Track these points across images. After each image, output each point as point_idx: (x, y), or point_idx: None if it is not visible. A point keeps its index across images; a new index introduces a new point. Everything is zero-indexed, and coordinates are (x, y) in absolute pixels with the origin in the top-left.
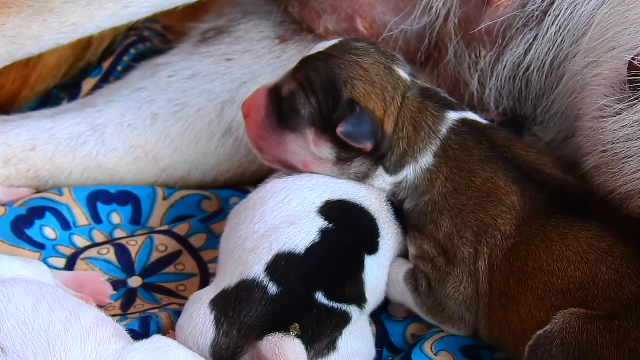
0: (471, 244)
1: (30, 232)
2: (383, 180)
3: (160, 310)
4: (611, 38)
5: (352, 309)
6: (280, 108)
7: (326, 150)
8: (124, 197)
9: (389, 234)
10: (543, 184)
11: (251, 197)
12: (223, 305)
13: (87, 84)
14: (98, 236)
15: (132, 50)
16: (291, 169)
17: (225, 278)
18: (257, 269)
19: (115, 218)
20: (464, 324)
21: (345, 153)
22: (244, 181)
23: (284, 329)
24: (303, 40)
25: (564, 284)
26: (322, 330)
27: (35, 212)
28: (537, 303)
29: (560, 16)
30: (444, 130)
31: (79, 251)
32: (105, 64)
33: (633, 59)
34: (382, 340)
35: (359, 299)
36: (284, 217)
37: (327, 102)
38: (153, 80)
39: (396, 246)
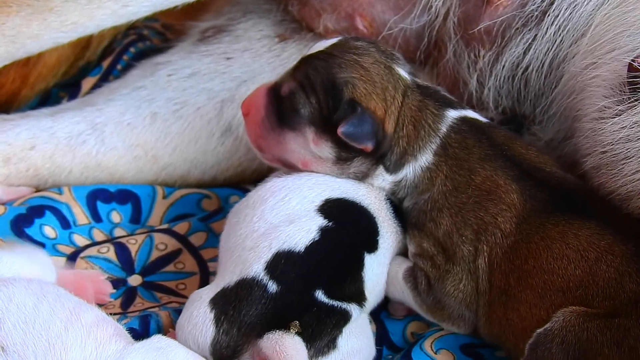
0: (471, 242)
1: (30, 231)
2: (383, 179)
3: (160, 309)
4: (611, 39)
5: (352, 308)
6: (280, 107)
7: (326, 150)
8: (123, 196)
9: (388, 233)
10: (543, 182)
11: (251, 196)
12: (223, 304)
13: (87, 83)
14: (98, 235)
15: (132, 49)
16: (291, 168)
17: (225, 277)
18: (257, 268)
19: (115, 217)
20: (463, 322)
21: (345, 153)
22: (244, 180)
23: (285, 327)
24: (303, 39)
25: (564, 282)
26: (322, 328)
27: (35, 211)
28: (538, 301)
29: (559, 17)
30: (444, 128)
31: (79, 250)
32: (105, 63)
33: (633, 60)
34: (382, 338)
35: (359, 298)
36: (283, 215)
37: (327, 102)
38: (153, 79)
39: (396, 245)
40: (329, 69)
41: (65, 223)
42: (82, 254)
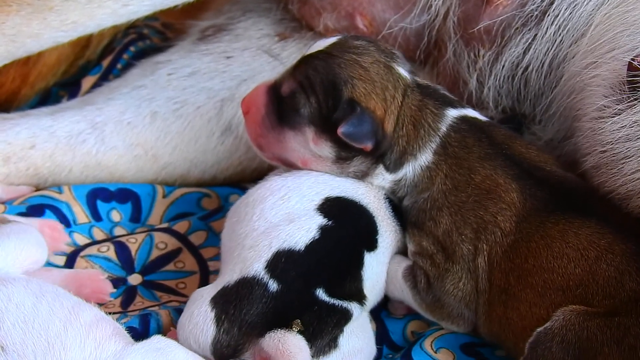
0: (470, 241)
1: None
2: (383, 178)
3: (160, 308)
4: (611, 39)
5: (353, 306)
6: (280, 106)
7: (326, 149)
8: (123, 195)
9: (387, 232)
10: (543, 181)
11: (250, 195)
12: (224, 303)
13: (87, 82)
14: (98, 234)
15: (132, 48)
16: (291, 167)
17: (225, 276)
18: (257, 267)
19: (115, 216)
20: (463, 321)
21: (345, 152)
22: (244, 179)
23: (286, 325)
24: (303, 37)
25: (564, 281)
26: (323, 327)
27: (35, 210)
28: (537, 300)
29: (559, 16)
30: (443, 127)
31: (79, 249)
32: (105, 62)
33: (633, 60)
34: (382, 337)
35: (359, 296)
36: (283, 214)
37: (327, 102)
38: (153, 78)
39: (395, 243)
40: (329, 69)
41: (65, 222)
42: (82, 253)
